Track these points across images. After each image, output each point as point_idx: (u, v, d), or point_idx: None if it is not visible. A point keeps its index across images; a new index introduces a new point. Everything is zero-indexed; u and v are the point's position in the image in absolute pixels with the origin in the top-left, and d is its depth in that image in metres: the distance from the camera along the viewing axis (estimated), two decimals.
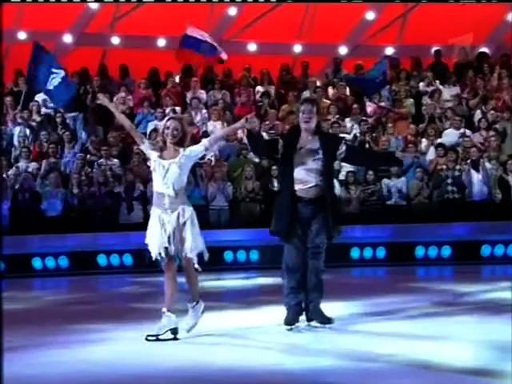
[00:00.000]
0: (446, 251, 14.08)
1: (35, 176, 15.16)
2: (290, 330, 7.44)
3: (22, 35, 19.62)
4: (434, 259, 14.10)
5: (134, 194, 14.68)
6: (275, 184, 15.09)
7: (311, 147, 7.35)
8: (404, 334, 7.31)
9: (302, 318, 7.65)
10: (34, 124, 16.74)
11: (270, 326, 7.75)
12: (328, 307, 8.67)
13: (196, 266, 7.32)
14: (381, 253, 14.16)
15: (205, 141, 7.62)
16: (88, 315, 9.23)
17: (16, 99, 17.38)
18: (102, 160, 15.49)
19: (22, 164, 15.43)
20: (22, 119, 16.65)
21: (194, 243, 7.28)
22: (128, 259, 13.95)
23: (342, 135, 7.63)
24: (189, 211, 7.30)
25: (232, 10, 19.78)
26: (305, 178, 7.34)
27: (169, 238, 7.27)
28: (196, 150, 7.46)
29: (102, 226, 14.37)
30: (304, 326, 7.59)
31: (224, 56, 16.83)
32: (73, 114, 17.36)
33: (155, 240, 7.32)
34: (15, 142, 16.30)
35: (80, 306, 10.34)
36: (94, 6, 19.40)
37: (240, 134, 16.55)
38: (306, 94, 18.10)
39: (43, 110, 17.34)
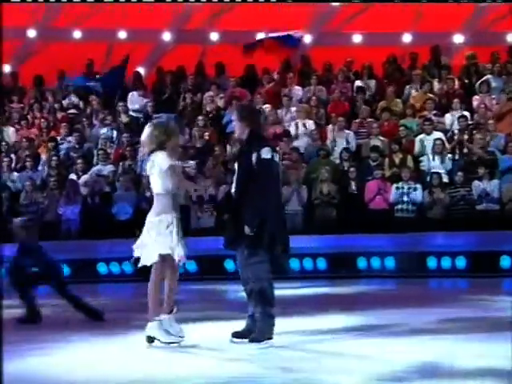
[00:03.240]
0: None
1: (111, 179, 15.63)
2: (232, 342, 7.29)
3: (122, 34, 20.28)
4: None
5: (204, 198, 14.83)
6: (353, 187, 14.81)
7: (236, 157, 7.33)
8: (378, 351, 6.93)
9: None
10: (120, 126, 17.28)
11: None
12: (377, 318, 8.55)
13: None
14: (461, 263, 13.53)
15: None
16: (115, 323, 9.31)
17: (106, 100, 18.07)
18: (178, 162, 15.70)
19: (98, 167, 15.96)
20: (109, 120, 17.22)
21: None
22: (192, 266, 14.10)
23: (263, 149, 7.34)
24: None
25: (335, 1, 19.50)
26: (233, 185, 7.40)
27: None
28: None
29: None
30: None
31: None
32: (163, 114, 17.77)
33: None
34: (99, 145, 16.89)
35: (117, 314, 10.52)
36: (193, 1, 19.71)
37: (330, 132, 16.37)
38: (410, 88, 17.62)
39: (131, 111, 17.85)
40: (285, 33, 17.57)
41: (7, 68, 20.56)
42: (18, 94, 19.14)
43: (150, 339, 7.42)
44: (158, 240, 7.32)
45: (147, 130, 7.62)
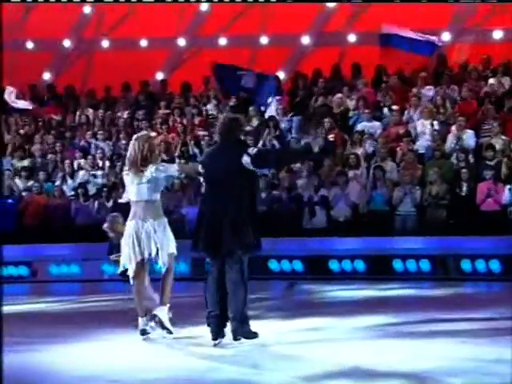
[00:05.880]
0: None
1: None
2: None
3: (264, 40, 21.01)
4: None
5: (315, 199, 15.24)
6: (464, 188, 14.68)
7: None
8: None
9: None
10: (249, 129, 17.93)
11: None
12: None
13: None
14: None
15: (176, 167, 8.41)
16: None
17: (243, 105, 18.82)
18: (297, 165, 16.22)
19: None
20: None
21: None
22: (298, 265, 14.57)
23: None
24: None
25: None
26: None
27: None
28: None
29: (285, 230, 15.12)
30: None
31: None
32: (293, 117, 18.31)
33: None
34: None
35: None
36: (332, 5, 20.14)
37: (451, 132, 16.23)
38: None
39: (267, 115, 18.46)
40: (423, 37, 17.52)
41: (159, 76, 21.91)
42: (166, 100, 20.30)
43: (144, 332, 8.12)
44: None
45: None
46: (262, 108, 18.44)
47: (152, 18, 21.19)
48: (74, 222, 16.99)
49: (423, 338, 7.82)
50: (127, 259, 8.17)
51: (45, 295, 14.31)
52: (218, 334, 7.85)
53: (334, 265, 14.42)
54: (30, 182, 17.90)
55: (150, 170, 8.13)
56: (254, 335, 7.81)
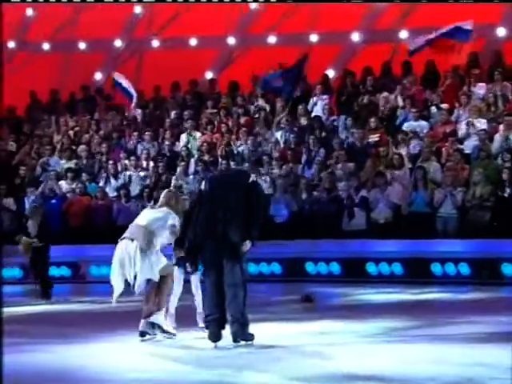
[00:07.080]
0: None
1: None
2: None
3: (313, 37, 20.92)
4: None
5: (355, 200, 15.10)
6: (507, 190, 14.36)
7: None
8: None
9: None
10: (296, 129, 17.90)
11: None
12: None
13: None
14: None
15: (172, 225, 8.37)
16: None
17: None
18: (339, 165, 16.12)
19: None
20: (285, 124, 17.94)
21: None
22: (335, 267, 14.49)
23: None
24: None
25: None
26: None
27: None
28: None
29: (324, 232, 15.04)
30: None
31: None
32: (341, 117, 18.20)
33: None
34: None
35: None
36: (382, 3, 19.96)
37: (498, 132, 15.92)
38: None
39: (313, 114, 18.37)
40: (452, 26, 17.23)
41: (209, 75, 22.00)
42: (213, 100, 20.35)
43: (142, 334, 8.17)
44: None
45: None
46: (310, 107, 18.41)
47: (202, 17, 21.30)
48: (115, 222, 17.17)
49: (441, 343, 7.74)
50: (113, 279, 8.35)
51: (80, 295, 14.57)
52: (217, 336, 7.88)
53: (371, 267, 14.29)
54: (75, 184, 18.16)
55: (165, 210, 8.36)
56: (252, 337, 7.83)
